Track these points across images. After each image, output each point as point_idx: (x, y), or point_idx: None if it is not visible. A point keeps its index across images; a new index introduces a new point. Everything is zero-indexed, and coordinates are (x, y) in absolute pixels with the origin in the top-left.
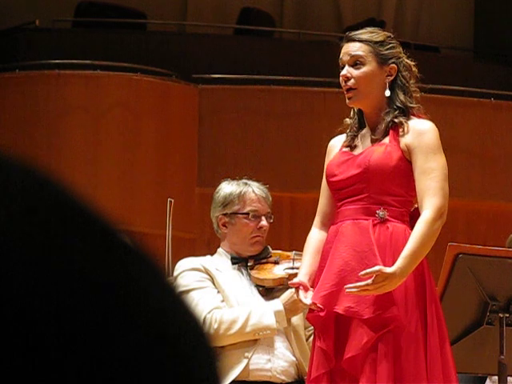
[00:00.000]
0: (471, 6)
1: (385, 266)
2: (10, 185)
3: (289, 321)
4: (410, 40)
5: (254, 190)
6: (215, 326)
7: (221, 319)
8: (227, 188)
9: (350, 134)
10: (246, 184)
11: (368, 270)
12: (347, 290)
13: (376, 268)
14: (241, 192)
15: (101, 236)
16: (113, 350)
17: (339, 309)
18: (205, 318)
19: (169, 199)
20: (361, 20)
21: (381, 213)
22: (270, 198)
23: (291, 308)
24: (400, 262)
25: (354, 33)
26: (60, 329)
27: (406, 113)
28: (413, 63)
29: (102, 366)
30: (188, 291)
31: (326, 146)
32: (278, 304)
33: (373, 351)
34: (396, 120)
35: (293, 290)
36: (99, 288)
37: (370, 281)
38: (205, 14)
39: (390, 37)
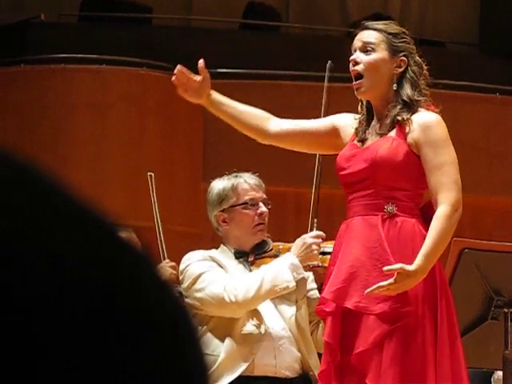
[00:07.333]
0: (477, 0)
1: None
2: None
3: (305, 267)
4: (416, 35)
5: (245, 179)
6: (234, 299)
7: (236, 289)
8: (219, 184)
9: (360, 128)
10: (236, 176)
11: (390, 267)
12: (367, 292)
13: (398, 266)
14: (233, 185)
15: (80, 226)
16: (108, 346)
17: (349, 304)
18: (222, 297)
19: (148, 173)
20: (367, 15)
21: (389, 208)
22: (263, 185)
23: (306, 256)
24: (420, 259)
25: (369, 22)
26: (52, 325)
27: (412, 107)
28: (424, 63)
29: (99, 361)
30: (200, 275)
31: None
32: (289, 257)
33: (381, 347)
34: (399, 117)
35: (303, 237)
36: (85, 281)
37: (392, 280)
38: (210, 8)
39: (404, 32)
